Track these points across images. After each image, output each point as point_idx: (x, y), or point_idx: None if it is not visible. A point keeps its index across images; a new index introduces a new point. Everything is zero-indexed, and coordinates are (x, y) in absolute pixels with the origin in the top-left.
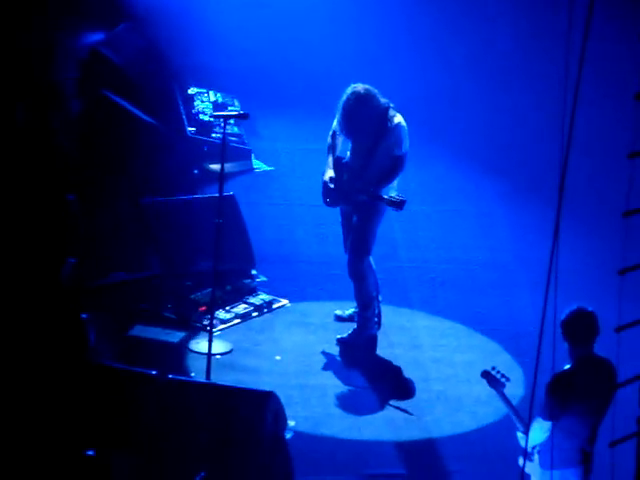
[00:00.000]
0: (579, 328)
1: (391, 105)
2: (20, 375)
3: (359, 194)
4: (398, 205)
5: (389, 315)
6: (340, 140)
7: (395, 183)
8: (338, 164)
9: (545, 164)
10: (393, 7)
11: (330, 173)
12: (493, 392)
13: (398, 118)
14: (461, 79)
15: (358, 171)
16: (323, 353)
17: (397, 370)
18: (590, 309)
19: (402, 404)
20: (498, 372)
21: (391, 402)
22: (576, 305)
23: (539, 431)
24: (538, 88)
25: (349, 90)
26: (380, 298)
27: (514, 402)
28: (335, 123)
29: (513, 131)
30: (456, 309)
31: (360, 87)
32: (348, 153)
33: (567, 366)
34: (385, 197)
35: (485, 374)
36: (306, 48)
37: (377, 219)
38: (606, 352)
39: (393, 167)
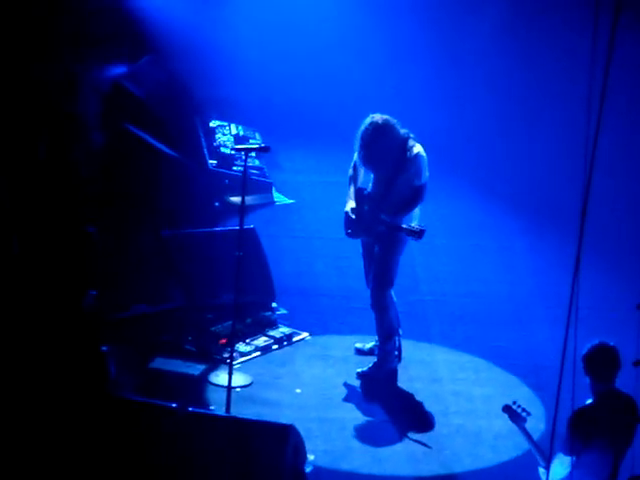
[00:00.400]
0: (601, 363)
1: (411, 135)
2: (41, 408)
3: (379, 225)
4: (417, 234)
5: (409, 349)
6: (362, 172)
7: (417, 213)
8: (360, 195)
9: (567, 196)
10: (415, 40)
11: (351, 204)
12: (513, 426)
13: (418, 148)
14: (480, 111)
15: (378, 201)
16: (343, 386)
17: (417, 404)
18: (612, 344)
19: (422, 438)
20: (519, 406)
21: (411, 436)
22: (598, 340)
23: (560, 467)
24: (560, 119)
25: (367, 120)
26: (400, 332)
27: (535, 437)
28: (356, 155)
29: (534, 164)
30: (475, 343)
31: (378, 117)
32: (370, 185)
33: (589, 401)
34: (404, 226)
35: (506, 408)
36: (327, 81)
37: (399, 250)
38: (626, 386)
39: (413, 197)
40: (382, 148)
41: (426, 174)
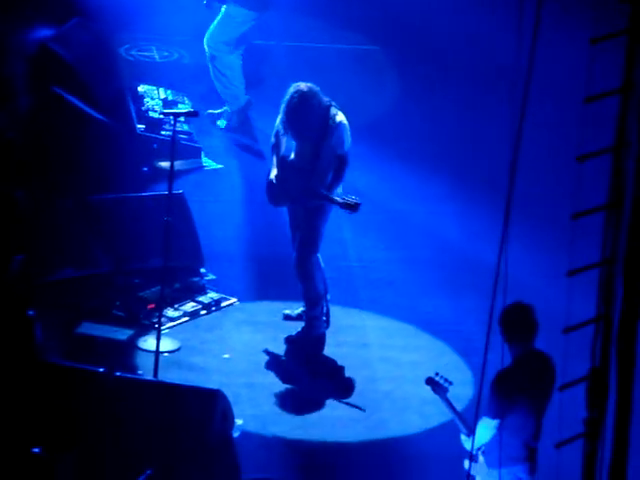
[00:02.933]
0: (517, 323)
1: (333, 103)
2: None
3: (311, 197)
4: (353, 207)
5: (337, 314)
6: (284, 140)
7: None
8: (283, 163)
9: (495, 163)
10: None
11: (275, 172)
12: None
13: (340, 116)
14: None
15: (306, 172)
16: (271, 352)
17: (345, 369)
18: (526, 303)
19: (350, 403)
20: (441, 377)
21: (338, 401)
22: (512, 301)
23: (486, 430)
24: (488, 81)
25: (292, 89)
26: (328, 297)
27: (464, 403)
28: (278, 122)
29: (461, 129)
30: (404, 309)
31: (303, 85)
32: (292, 154)
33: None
34: (339, 200)
35: (429, 381)
36: (261, 50)
37: (324, 217)
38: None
39: (340, 166)
40: (307, 115)
41: (349, 142)
